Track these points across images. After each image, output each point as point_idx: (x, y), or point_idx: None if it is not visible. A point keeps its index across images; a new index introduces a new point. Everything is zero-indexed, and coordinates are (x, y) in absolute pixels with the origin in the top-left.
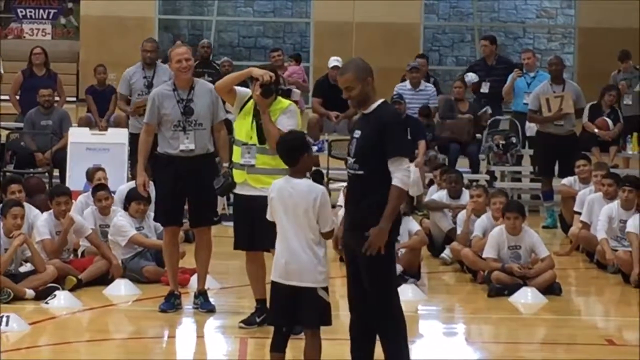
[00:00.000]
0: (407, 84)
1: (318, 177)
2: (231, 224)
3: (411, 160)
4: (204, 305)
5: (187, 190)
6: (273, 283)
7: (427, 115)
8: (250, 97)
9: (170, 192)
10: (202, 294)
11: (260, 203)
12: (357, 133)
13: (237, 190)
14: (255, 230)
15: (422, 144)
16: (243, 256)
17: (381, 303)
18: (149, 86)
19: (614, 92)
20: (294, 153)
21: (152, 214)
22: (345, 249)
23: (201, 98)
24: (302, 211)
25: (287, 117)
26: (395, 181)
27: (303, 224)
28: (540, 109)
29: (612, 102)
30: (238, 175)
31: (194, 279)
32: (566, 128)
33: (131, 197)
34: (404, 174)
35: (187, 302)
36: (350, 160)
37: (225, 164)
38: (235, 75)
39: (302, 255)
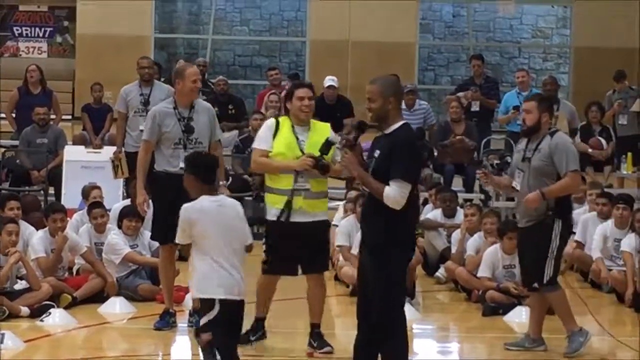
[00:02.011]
0: (402, 105)
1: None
2: None
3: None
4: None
5: None
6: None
7: (421, 137)
8: (278, 123)
9: (169, 210)
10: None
11: (316, 228)
12: (377, 153)
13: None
14: (304, 255)
15: None
16: None
17: (386, 322)
18: (146, 104)
19: (595, 107)
20: (212, 173)
21: (146, 232)
22: (359, 267)
23: (201, 117)
24: (233, 225)
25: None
26: (387, 188)
27: (235, 237)
28: None
29: (597, 118)
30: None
31: (188, 297)
32: None
33: (123, 214)
34: (397, 192)
35: (182, 320)
36: None
37: (222, 182)
38: (275, 167)
39: (240, 269)
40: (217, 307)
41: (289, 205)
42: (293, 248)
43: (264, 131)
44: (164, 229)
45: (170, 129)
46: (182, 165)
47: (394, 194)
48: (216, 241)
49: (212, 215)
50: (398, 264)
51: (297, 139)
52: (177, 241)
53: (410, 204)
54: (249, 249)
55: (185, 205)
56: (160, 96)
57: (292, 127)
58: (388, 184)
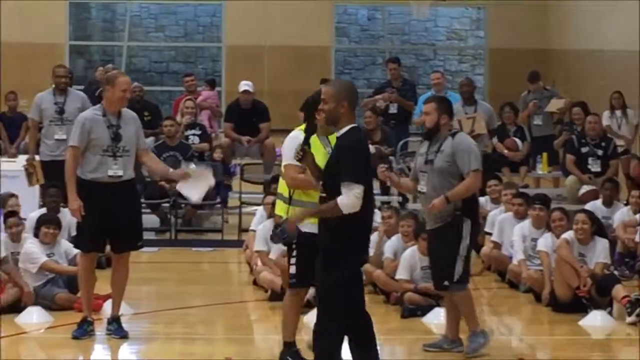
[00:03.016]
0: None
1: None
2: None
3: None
4: (117, 331)
5: (113, 216)
6: None
7: None
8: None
9: (96, 218)
10: (115, 320)
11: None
12: (331, 154)
13: (306, 229)
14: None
15: None
16: (156, 282)
17: (322, 330)
18: (61, 112)
19: (508, 108)
20: None
21: (62, 241)
22: (316, 278)
23: (128, 125)
24: None
25: None
26: (339, 198)
27: None
28: None
29: (512, 119)
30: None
31: (106, 305)
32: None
33: (40, 222)
34: (350, 197)
35: (100, 329)
36: (321, 182)
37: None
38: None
39: None
40: None
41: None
42: (308, 258)
43: (295, 146)
44: (88, 237)
45: (99, 135)
46: (110, 173)
47: (347, 199)
48: None
49: None
50: (353, 266)
51: (325, 149)
52: None
53: (363, 205)
54: None
55: None
56: (75, 104)
57: (318, 137)
58: (333, 185)
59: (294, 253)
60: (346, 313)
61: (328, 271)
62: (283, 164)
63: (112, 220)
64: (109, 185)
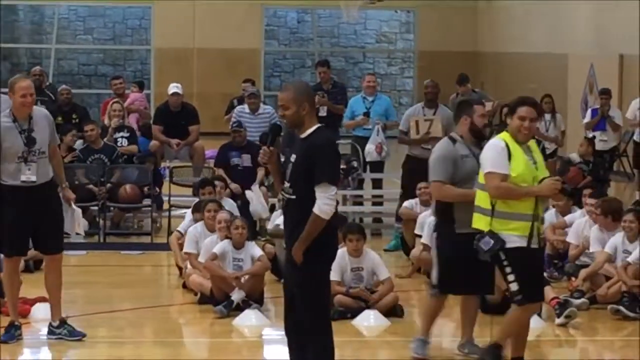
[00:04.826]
0: (246, 108)
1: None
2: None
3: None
4: (73, 333)
5: (33, 219)
6: None
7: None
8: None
9: (16, 222)
10: (65, 323)
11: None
12: (293, 157)
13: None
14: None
15: (260, 171)
16: (84, 285)
17: (314, 335)
18: None
19: None
20: None
21: None
22: (284, 279)
23: (40, 126)
24: None
25: None
26: (315, 208)
27: None
28: (410, 130)
29: None
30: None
31: (34, 309)
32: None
33: None
34: (325, 202)
35: (28, 333)
36: (286, 184)
37: (65, 185)
38: (521, 193)
39: None
40: None
41: (533, 230)
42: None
43: (499, 154)
44: (12, 241)
45: (12, 143)
46: (23, 178)
47: (323, 206)
48: None
49: None
50: (327, 263)
51: (529, 159)
52: None
53: None
54: None
55: None
56: (3, 106)
57: (519, 145)
58: (303, 187)
59: (506, 265)
60: (326, 302)
61: (305, 271)
62: (484, 172)
63: (32, 224)
64: (25, 189)
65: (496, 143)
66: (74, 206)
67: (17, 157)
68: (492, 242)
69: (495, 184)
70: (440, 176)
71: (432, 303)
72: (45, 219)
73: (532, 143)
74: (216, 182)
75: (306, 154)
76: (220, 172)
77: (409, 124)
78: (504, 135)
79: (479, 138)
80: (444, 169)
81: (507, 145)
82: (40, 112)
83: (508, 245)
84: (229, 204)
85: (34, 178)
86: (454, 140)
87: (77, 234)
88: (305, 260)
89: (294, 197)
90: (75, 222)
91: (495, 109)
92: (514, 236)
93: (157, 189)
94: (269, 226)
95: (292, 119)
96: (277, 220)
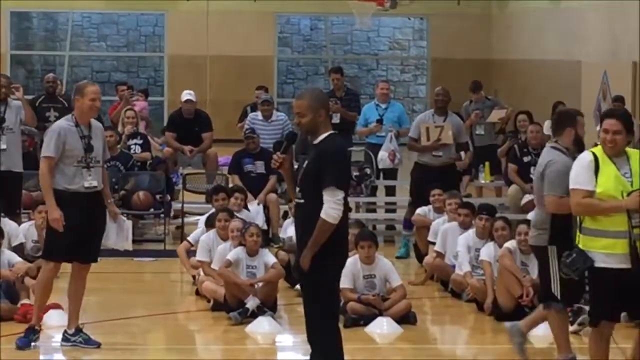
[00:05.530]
0: (259, 115)
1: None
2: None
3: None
4: (89, 341)
5: (87, 227)
6: None
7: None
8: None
9: (74, 229)
10: (80, 330)
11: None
12: (306, 163)
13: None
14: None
15: (273, 178)
16: (98, 292)
17: (320, 339)
18: (1, 122)
19: None
20: None
21: (5, 250)
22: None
23: (97, 136)
24: None
25: None
26: (322, 212)
27: None
28: (420, 137)
29: None
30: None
31: (46, 316)
32: (442, 159)
33: None
34: (332, 206)
35: (40, 339)
36: (297, 189)
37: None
38: (604, 208)
39: None
40: None
41: (635, 249)
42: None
43: (584, 168)
44: (65, 247)
45: (73, 146)
46: (86, 184)
47: (330, 211)
48: None
49: None
50: (338, 266)
51: (619, 171)
52: None
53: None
54: None
55: None
56: (15, 114)
57: (610, 158)
58: (312, 192)
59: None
60: (336, 308)
61: (315, 271)
62: (570, 187)
63: (86, 231)
64: (85, 195)
65: (583, 157)
66: (123, 218)
67: (77, 162)
68: (580, 260)
69: (575, 201)
70: (563, 192)
71: (557, 317)
72: (97, 228)
73: (634, 154)
74: (236, 194)
75: (316, 159)
76: (235, 179)
77: (419, 131)
78: (596, 148)
79: (580, 150)
80: (565, 184)
81: (595, 159)
82: (97, 123)
83: (596, 265)
84: (245, 214)
85: (95, 183)
86: (564, 153)
87: (126, 250)
88: (314, 266)
89: (302, 201)
90: (125, 237)
91: (509, 115)
92: (601, 254)
93: (169, 196)
94: (282, 234)
95: (308, 126)
96: (289, 228)
